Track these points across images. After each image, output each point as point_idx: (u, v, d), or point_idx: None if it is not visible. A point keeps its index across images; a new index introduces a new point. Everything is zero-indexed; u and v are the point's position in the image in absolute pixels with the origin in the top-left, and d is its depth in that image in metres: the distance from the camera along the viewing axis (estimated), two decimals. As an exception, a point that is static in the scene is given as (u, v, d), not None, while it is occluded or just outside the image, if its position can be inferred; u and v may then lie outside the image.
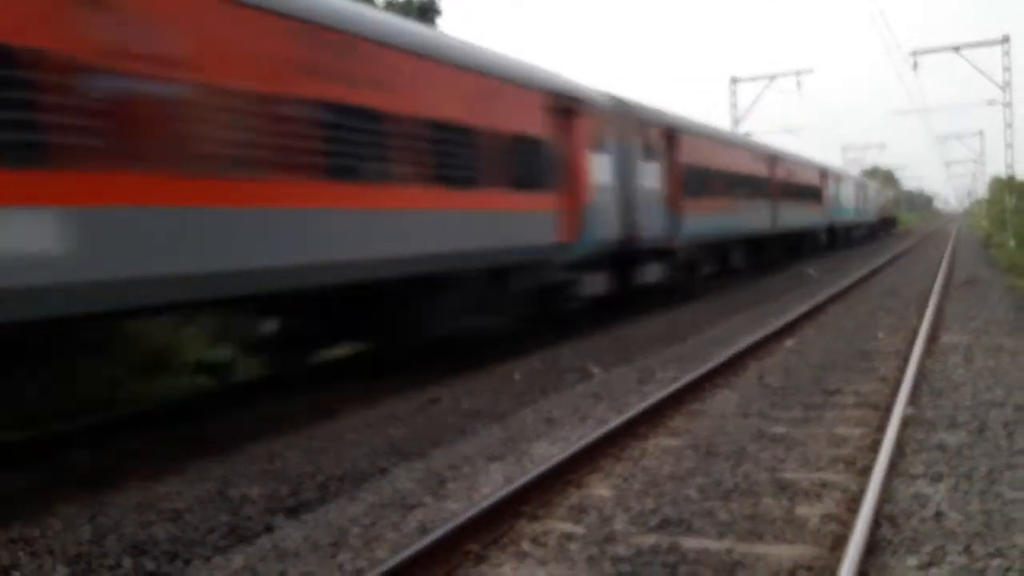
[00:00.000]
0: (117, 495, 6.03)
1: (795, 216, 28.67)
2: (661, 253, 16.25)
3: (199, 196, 6.80)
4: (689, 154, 17.85)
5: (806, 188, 30.60)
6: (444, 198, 9.73)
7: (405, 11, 19.84)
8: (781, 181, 26.81)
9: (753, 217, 23.40)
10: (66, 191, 5.84)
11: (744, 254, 23.50)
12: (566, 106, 12.50)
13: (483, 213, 10.51)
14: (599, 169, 13.60)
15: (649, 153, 15.87)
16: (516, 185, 11.10)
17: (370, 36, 8.63)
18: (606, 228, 13.67)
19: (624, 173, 14.58)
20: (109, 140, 6.06)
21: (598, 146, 13.63)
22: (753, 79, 36.97)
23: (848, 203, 40.19)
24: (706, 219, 18.85)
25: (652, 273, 15.94)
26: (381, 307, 9.64)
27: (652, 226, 15.60)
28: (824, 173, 33.99)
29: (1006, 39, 35.43)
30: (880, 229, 57.25)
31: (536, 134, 11.73)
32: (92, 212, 6.01)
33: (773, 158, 26.68)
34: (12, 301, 5.55)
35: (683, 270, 17.63)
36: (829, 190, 34.61)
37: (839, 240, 38.21)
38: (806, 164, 31.35)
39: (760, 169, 24.72)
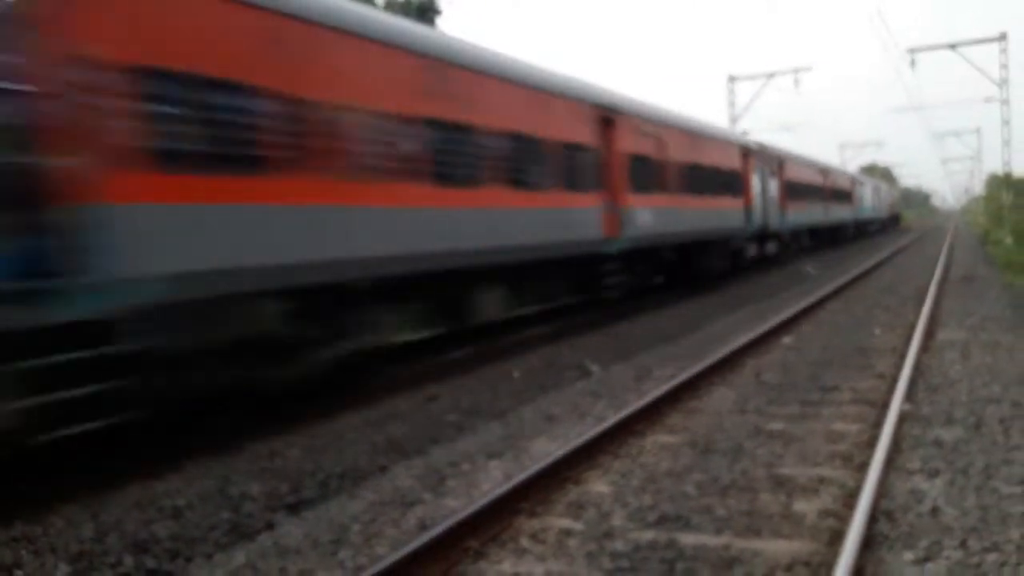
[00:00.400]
0: (118, 493, 6.07)
1: (838, 213, 39.63)
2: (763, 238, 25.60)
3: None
4: (790, 172, 28.49)
5: (843, 192, 41.27)
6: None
7: (405, 11, 19.84)
8: (830, 187, 36.67)
9: (815, 213, 33.80)
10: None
11: (808, 238, 33.86)
12: (746, 152, 22.10)
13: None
14: (755, 184, 23.17)
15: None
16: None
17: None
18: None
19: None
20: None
21: (755, 170, 23.51)
22: (751, 77, 36.96)
23: (868, 203, 51.35)
24: (798, 215, 29.97)
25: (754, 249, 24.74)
26: (471, 293, 11.27)
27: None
28: (854, 180, 45.88)
29: (1003, 37, 35.49)
30: (889, 223, 68.24)
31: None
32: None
33: (826, 170, 36.42)
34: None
35: (785, 246, 28.55)
36: (856, 193, 45.62)
37: (862, 231, 50.36)
38: (842, 173, 43.45)
39: (818, 179, 34.43)
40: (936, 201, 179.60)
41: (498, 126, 11.20)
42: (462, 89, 10.47)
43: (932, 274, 20.06)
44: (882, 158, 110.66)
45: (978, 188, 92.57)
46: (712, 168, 19.83)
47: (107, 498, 5.95)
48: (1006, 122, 37.53)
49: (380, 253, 8.98)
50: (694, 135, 19.02)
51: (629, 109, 15.53)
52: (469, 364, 10.55)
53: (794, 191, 28.69)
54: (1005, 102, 36.94)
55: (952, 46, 34.27)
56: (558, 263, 12.89)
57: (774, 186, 26.07)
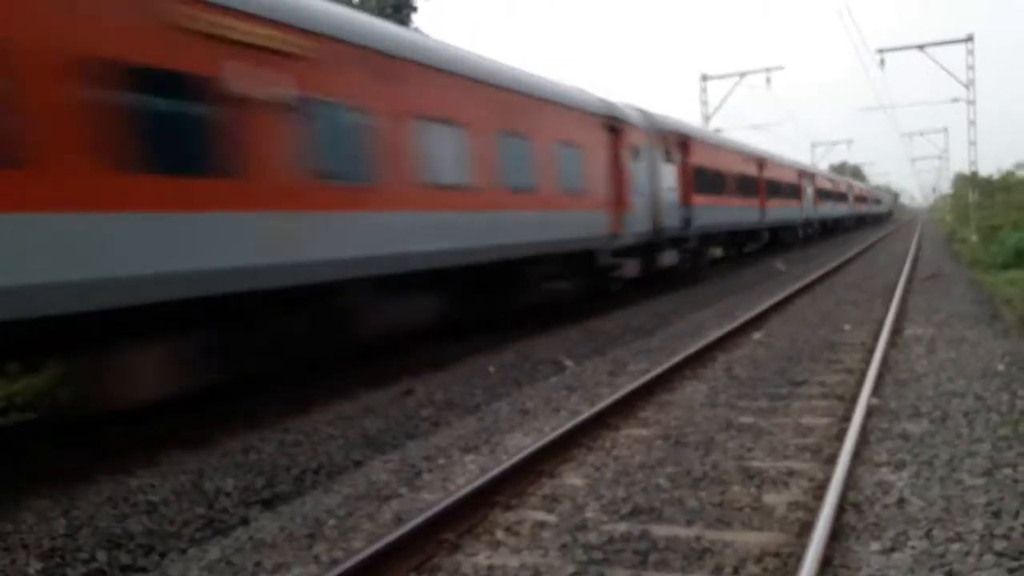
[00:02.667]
0: (90, 489, 6.02)
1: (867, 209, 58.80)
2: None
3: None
4: (821, 184, 32.24)
5: (872, 198, 55.15)
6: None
7: (380, 7, 19.72)
8: (856, 194, 55.14)
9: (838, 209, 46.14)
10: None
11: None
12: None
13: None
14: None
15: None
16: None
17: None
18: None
19: (654, 176, 18.08)
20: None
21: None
22: (724, 76, 37.18)
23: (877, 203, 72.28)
24: (828, 208, 39.18)
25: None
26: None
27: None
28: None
29: (970, 38, 35.96)
30: (886, 217, 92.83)
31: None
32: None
33: (851, 185, 55.26)
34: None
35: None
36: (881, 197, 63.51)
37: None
38: (872, 186, 63.31)
39: (843, 189, 49.39)
40: (905, 200, 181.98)
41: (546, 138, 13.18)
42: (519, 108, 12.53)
43: (900, 272, 20.33)
44: (852, 157, 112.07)
45: (945, 187, 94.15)
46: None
47: (79, 494, 5.90)
48: (972, 122, 38.05)
49: None
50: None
51: None
52: (444, 359, 10.56)
53: (826, 196, 27.25)
54: (971, 103, 37.45)
55: (920, 47, 34.67)
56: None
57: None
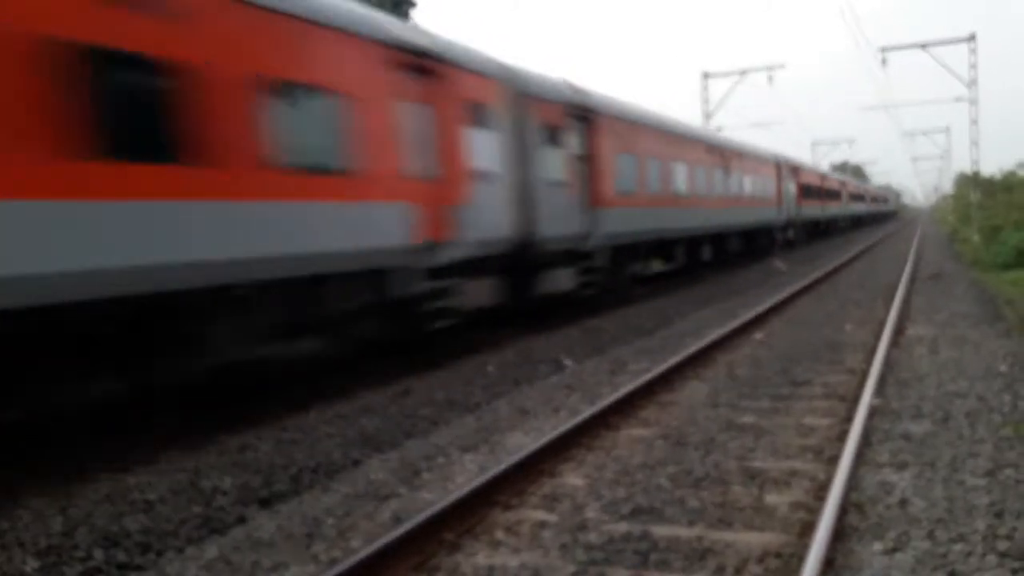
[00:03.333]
0: (87, 487, 5.99)
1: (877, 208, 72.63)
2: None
3: None
4: (853, 190, 43.76)
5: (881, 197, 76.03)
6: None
7: (378, 2, 19.67)
8: (871, 196, 69.45)
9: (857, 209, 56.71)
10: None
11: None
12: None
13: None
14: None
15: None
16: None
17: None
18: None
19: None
20: None
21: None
22: (725, 74, 37.13)
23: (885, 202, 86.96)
24: (857, 206, 55.96)
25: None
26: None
27: None
28: (886, 190, 77.03)
29: (972, 37, 35.92)
30: (892, 216, 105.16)
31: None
32: None
33: (867, 188, 69.43)
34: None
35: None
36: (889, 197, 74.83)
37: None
38: (882, 187, 78.63)
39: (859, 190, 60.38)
40: (907, 199, 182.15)
41: None
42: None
43: (901, 271, 20.32)
44: (854, 156, 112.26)
45: (947, 186, 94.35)
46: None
47: (76, 492, 5.88)
48: (974, 122, 38.03)
49: None
50: None
51: None
52: (443, 358, 10.53)
53: (858, 198, 26.16)
54: (974, 102, 37.44)
55: (922, 46, 34.64)
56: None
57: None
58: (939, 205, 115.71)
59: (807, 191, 37.40)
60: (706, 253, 22.74)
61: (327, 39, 8.51)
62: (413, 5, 21.47)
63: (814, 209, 39.50)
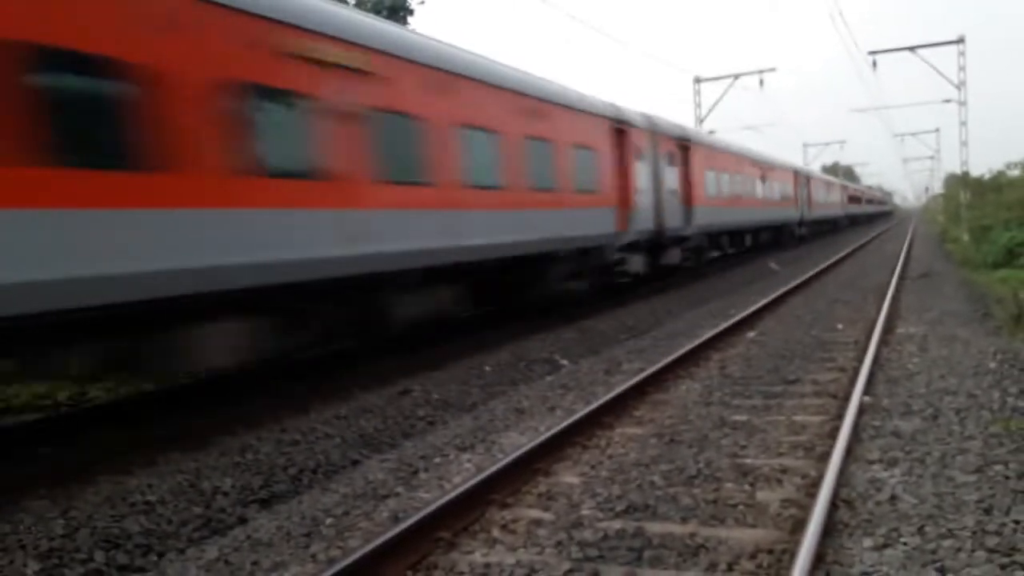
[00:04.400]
0: (88, 489, 6.01)
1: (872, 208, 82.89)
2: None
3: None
4: (852, 193, 54.51)
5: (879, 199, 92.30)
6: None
7: (376, 9, 19.69)
8: (866, 198, 79.44)
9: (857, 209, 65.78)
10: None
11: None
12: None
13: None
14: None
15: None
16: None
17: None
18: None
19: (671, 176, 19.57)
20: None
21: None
22: (717, 78, 37.24)
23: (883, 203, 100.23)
24: (857, 207, 66.30)
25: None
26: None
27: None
28: (884, 192, 79.88)
29: (961, 39, 36.08)
30: (889, 214, 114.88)
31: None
32: None
33: (865, 191, 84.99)
34: None
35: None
36: (887, 199, 78.64)
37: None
38: (877, 188, 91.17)
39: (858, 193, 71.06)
40: (897, 200, 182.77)
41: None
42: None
43: (892, 271, 20.43)
44: (845, 157, 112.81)
45: (937, 187, 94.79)
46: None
47: (77, 494, 5.90)
48: (964, 123, 38.16)
49: None
50: None
51: None
52: (440, 359, 10.59)
53: (858, 200, 38.52)
54: (963, 103, 37.56)
55: (912, 48, 34.76)
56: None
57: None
58: (930, 205, 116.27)
59: (816, 195, 44.62)
60: (748, 241, 29.88)
61: (593, 119, 15.53)
62: (411, 12, 21.47)
63: (822, 209, 47.00)
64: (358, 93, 8.91)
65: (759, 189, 29.81)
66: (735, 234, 27.21)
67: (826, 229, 51.09)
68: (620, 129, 16.49)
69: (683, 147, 20.65)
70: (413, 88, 9.89)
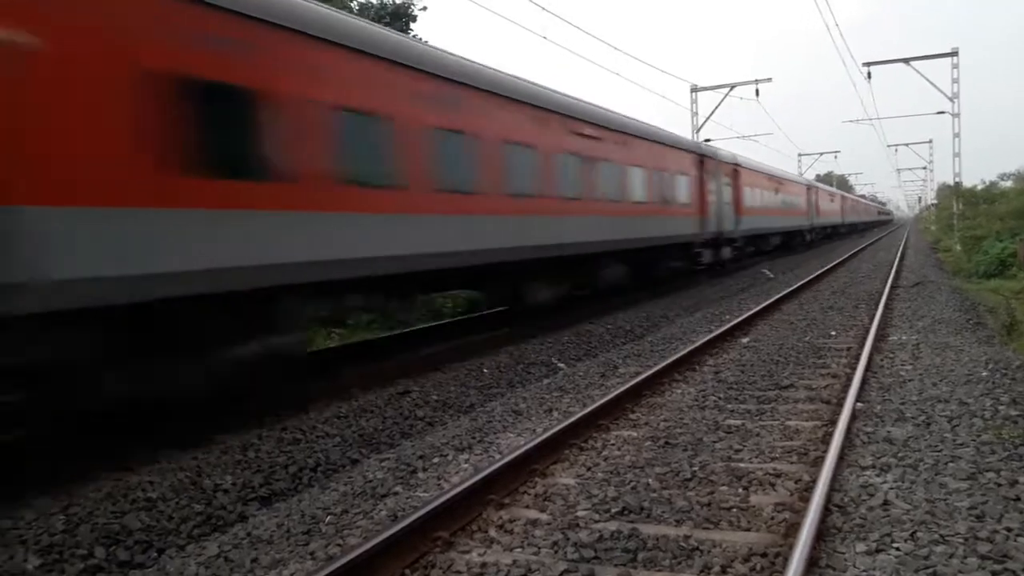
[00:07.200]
0: (89, 485, 6.05)
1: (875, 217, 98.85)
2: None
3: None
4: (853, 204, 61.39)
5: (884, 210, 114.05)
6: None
7: (378, 15, 19.72)
8: (862, 208, 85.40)
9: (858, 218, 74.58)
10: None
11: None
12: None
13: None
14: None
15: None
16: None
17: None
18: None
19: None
20: None
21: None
22: (713, 88, 37.32)
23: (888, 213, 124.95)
24: (869, 216, 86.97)
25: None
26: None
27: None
28: (884, 204, 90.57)
29: (955, 52, 36.27)
30: (889, 222, 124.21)
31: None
32: None
33: (877, 201, 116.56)
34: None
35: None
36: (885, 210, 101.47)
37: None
38: (874, 200, 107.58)
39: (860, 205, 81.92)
40: (891, 209, 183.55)
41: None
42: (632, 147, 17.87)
43: (885, 279, 20.53)
44: (839, 168, 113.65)
45: (931, 197, 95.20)
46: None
47: (78, 490, 5.93)
48: (957, 134, 38.33)
49: None
50: None
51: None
52: (440, 361, 10.64)
53: (860, 211, 45.53)
54: (956, 115, 37.76)
55: (906, 60, 34.92)
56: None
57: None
58: (923, 215, 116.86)
59: (823, 205, 50.86)
60: (776, 243, 36.19)
61: (680, 153, 20.95)
62: (413, 19, 21.51)
63: (827, 218, 53.31)
64: (597, 152, 15.48)
65: (782, 200, 35.64)
66: (766, 237, 33.22)
67: (843, 232, 64.00)
68: (701, 159, 22.79)
69: (735, 170, 26.64)
70: (615, 145, 16.31)
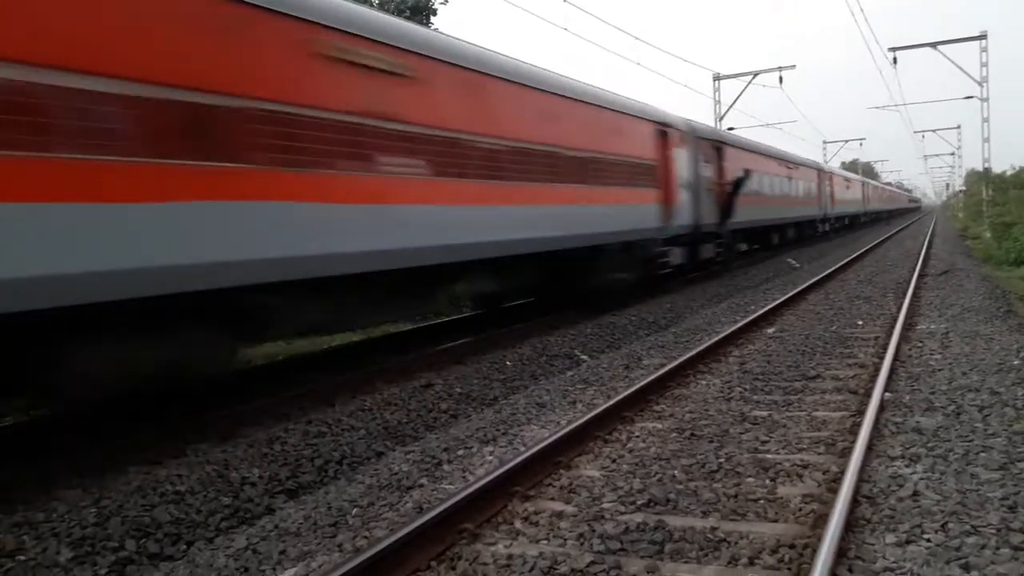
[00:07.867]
0: (120, 479, 6.12)
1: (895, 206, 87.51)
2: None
3: None
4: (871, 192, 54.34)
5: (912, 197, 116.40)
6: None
7: (398, 9, 19.71)
8: (888, 195, 79.80)
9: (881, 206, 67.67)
10: None
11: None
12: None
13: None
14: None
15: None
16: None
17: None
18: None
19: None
20: None
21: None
22: (736, 76, 37.03)
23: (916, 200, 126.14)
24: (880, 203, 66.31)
25: None
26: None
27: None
28: (912, 192, 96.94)
29: (983, 35, 35.71)
30: (917, 209, 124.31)
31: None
32: None
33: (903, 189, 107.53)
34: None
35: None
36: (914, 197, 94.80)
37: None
38: (902, 188, 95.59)
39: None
40: (918, 196, 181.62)
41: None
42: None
43: (913, 267, 20.29)
44: (865, 154, 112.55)
45: (958, 184, 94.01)
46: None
47: (109, 484, 6.00)
48: (986, 119, 37.81)
49: None
50: None
51: None
52: (463, 353, 10.66)
53: (882, 198, 47.18)
54: (985, 100, 37.22)
55: (933, 45, 34.43)
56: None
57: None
58: (950, 202, 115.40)
59: (840, 193, 44.51)
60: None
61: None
62: (435, 12, 21.42)
63: (845, 207, 47.04)
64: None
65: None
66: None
67: (868, 223, 59.07)
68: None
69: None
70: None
